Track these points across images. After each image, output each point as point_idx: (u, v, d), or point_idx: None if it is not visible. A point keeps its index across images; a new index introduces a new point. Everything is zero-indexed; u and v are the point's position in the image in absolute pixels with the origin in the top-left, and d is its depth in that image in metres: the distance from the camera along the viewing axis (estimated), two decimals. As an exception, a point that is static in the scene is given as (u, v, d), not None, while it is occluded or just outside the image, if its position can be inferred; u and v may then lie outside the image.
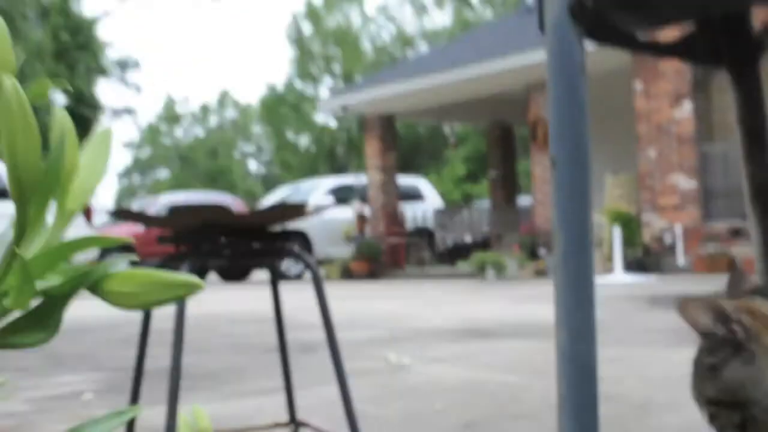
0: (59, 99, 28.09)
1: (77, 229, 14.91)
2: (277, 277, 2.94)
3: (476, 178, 28.80)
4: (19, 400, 3.90)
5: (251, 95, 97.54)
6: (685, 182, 12.17)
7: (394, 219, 16.78)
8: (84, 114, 32.01)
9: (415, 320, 7.52)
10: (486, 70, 14.04)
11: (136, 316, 3.10)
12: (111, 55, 36.17)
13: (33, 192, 0.44)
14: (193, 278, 0.49)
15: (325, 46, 40.37)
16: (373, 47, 40.81)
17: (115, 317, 7.75)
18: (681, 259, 11.84)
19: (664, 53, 1.66)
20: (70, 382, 4.43)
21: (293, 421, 2.65)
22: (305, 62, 40.50)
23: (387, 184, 16.71)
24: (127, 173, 51.31)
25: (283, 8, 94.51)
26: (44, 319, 0.45)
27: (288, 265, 15.97)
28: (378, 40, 40.83)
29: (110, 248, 16.87)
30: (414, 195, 18.44)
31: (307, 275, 15.97)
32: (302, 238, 15.90)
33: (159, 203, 16.77)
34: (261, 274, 17.15)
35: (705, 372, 1.18)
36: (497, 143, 18.24)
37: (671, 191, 12.27)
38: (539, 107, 13.56)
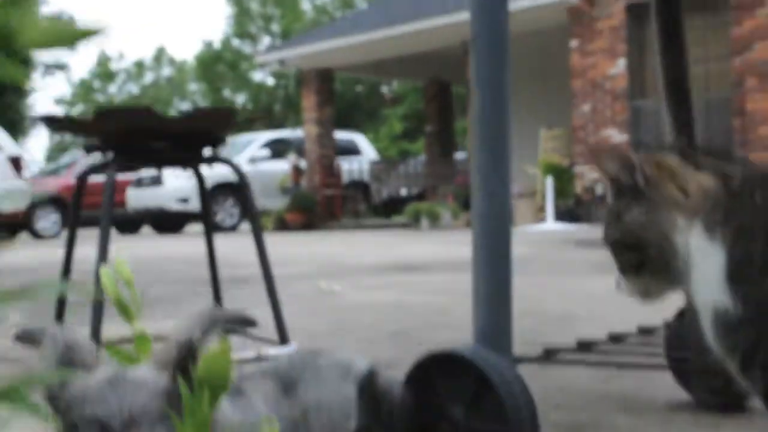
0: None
1: (7, 180, 14.57)
2: (203, 184, 2.94)
3: (413, 136, 28.86)
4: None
5: (188, 52, 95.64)
6: (618, 136, 12.42)
7: (330, 172, 16.76)
8: (12, 66, 30.96)
9: (347, 259, 7.56)
10: (423, 26, 14.04)
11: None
12: (44, 10, 35.05)
13: None
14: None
15: (264, 4, 39.75)
16: (313, 7, 40.35)
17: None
18: (611, 210, 12.10)
19: None
20: None
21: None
22: (243, 20, 39.84)
23: (323, 137, 16.65)
24: (60, 148, 50.07)
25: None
26: None
27: (223, 216, 15.85)
28: (318, 0, 40.37)
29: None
30: (351, 150, 18.42)
31: (243, 227, 15.88)
32: (235, 190, 15.75)
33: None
34: (195, 227, 16.96)
35: (611, 217, 1.25)
36: (434, 99, 18.29)
37: (604, 144, 12.50)
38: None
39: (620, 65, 12.44)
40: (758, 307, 1.08)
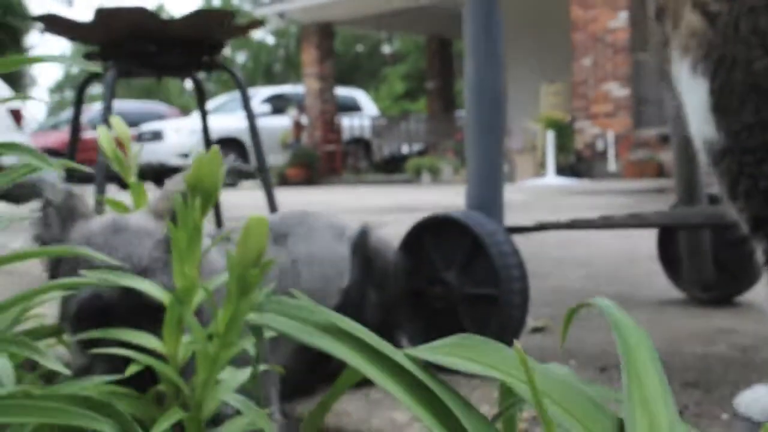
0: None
1: (7, 132, 14.55)
2: (203, 95, 2.95)
3: (415, 96, 28.73)
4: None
5: (187, 9, 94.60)
6: (618, 90, 12.36)
7: (331, 127, 16.71)
8: (12, 24, 30.79)
9: (348, 204, 7.60)
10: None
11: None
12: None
13: None
14: None
15: (264, -39, 39.39)
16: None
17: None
18: (612, 164, 12.10)
19: None
20: None
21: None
22: (244, -22, 39.50)
23: (324, 92, 16.57)
24: (58, 88, 49.83)
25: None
26: None
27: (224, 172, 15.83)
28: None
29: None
30: (352, 106, 18.35)
31: (244, 184, 15.87)
32: (238, 145, 15.73)
33: (93, 110, 16.36)
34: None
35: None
36: (436, 56, 18.19)
37: (604, 99, 12.46)
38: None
39: (622, 18, 12.35)
40: (738, 137, 1.10)
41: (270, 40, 38.68)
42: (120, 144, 1.46)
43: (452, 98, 18.39)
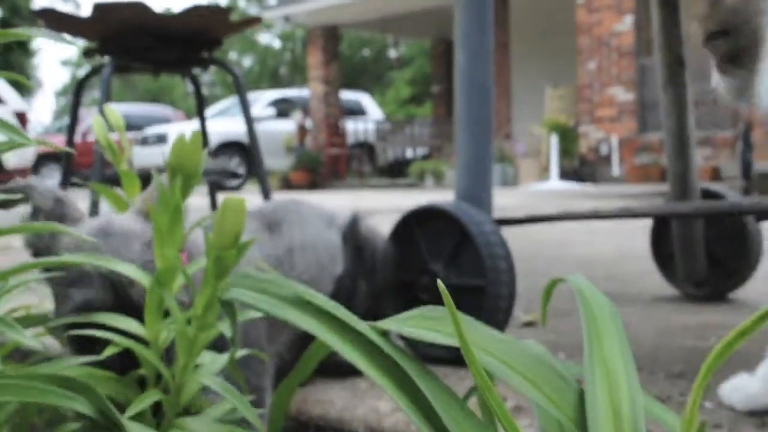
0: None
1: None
2: (200, 92, 2.96)
3: (420, 100, 28.74)
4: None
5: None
6: (623, 94, 12.35)
7: (336, 131, 16.72)
8: (20, 26, 30.90)
9: (352, 206, 7.61)
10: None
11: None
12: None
13: None
14: None
15: (271, -34, 39.51)
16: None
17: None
18: (616, 169, 12.08)
19: None
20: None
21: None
22: (250, -18, 39.60)
23: (329, 96, 16.59)
24: (64, 92, 49.97)
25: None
26: None
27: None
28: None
29: (46, 157, 16.59)
30: (357, 110, 18.35)
31: (247, 187, 15.90)
32: (241, 149, 15.75)
33: (94, 113, 16.41)
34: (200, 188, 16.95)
35: (707, 5, 1.22)
36: (441, 59, 18.20)
37: (609, 103, 12.45)
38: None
39: (627, 22, 12.34)
40: None
41: (276, 43, 38.77)
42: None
43: (457, 102, 18.37)
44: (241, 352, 1.04)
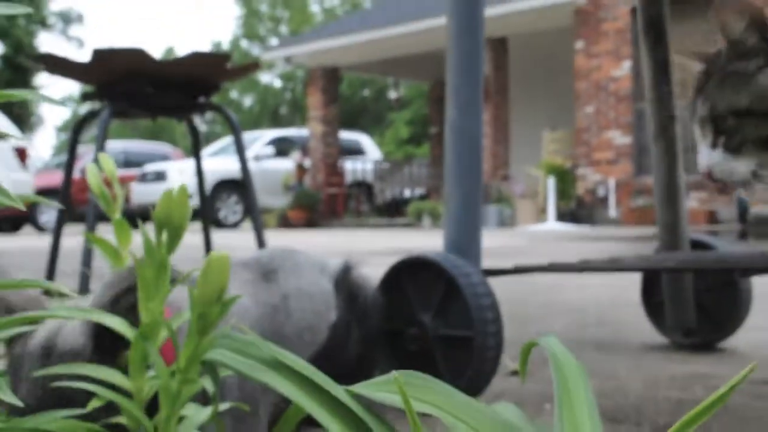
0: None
1: (13, 172, 14.66)
2: (197, 135, 2.99)
3: (419, 141, 28.90)
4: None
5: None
6: (620, 138, 12.45)
7: (334, 170, 16.81)
8: (23, 64, 31.17)
9: (347, 247, 7.62)
10: (428, 25, 14.12)
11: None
12: (53, 7, 35.24)
13: None
14: None
15: (273, 6, 39.92)
16: (321, 9, 40.51)
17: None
18: (612, 211, 12.14)
19: None
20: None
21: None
22: (252, 22, 40.02)
23: (328, 136, 16.70)
24: (65, 127, 50.25)
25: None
26: None
27: (226, 213, 15.91)
28: (326, 2, 40.53)
29: (43, 193, 16.62)
30: (356, 150, 18.47)
31: (245, 225, 15.92)
32: (238, 187, 15.80)
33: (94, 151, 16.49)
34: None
35: (732, 81, 1.09)
36: (439, 101, 18.34)
37: (606, 146, 12.54)
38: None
39: (625, 67, 12.49)
40: None
41: (277, 83, 39.09)
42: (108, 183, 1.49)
43: (455, 143, 18.48)
44: (225, 405, 1.04)
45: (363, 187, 17.51)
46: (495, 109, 13.98)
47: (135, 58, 2.45)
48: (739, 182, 1.11)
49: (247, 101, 39.93)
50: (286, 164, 16.86)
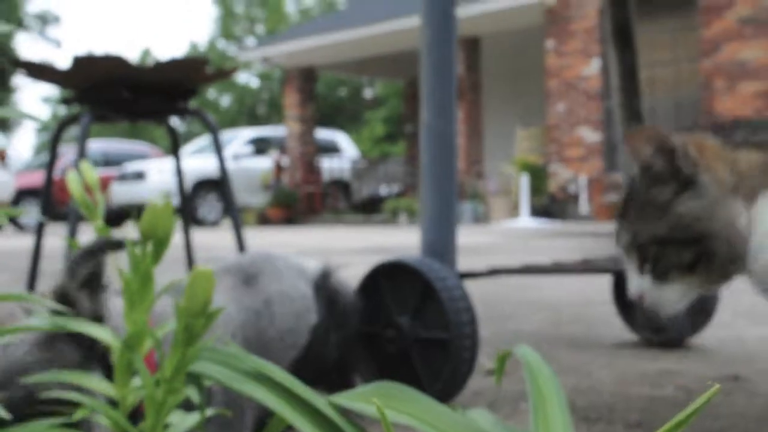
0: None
1: (-5, 171, 14.55)
2: (176, 138, 3.01)
3: (394, 139, 28.95)
4: None
5: (173, 53, 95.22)
6: (591, 135, 12.56)
7: (311, 169, 16.83)
8: (0, 65, 30.90)
9: (326, 245, 7.64)
10: (403, 25, 14.17)
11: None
12: (31, 9, 34.93)
13: None
14: None
15: (249, 6, 39.79)
16: (298, 10, 40.42)
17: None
18: (584, 207, 12.25)
19: None
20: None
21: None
22: (228, 22, 39.85)
23: (305, 135, 16.71)
24: (45, 128, 49.78)
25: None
26: None
27: (205, 212, 15.88)
28: (302, 3, 40.46)
29: (25, 192, 16.53)
30: (332, 148, 18.48)
31: (225, 223, 15.89)
32: (217, 186, 15.77)
33: (76, 151, 16.40)
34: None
35: (651, 211, 1.10)
36: (414, 100, 18.39)
37: (577, 143, 12.65)
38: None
39: (594, 66, 12.60)
40: None
41: (254, 82, 38.96)
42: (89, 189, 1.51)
43: (431, 141, 18.54)
44: (211, 412, 1.08)
45: (340, 185, 17.54)
46: (468, 108, 14.05)
47: (114, 65, 2.46)
48: (671, 311, 1.13)
49: (225, 101, 39.78)
50: (265, 163, 16.86)
